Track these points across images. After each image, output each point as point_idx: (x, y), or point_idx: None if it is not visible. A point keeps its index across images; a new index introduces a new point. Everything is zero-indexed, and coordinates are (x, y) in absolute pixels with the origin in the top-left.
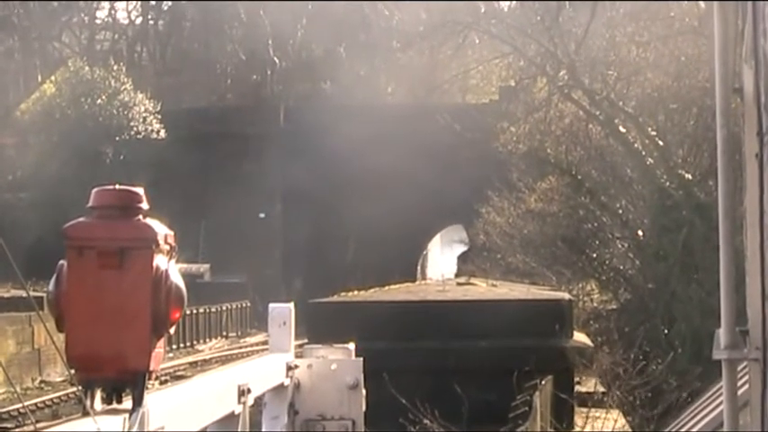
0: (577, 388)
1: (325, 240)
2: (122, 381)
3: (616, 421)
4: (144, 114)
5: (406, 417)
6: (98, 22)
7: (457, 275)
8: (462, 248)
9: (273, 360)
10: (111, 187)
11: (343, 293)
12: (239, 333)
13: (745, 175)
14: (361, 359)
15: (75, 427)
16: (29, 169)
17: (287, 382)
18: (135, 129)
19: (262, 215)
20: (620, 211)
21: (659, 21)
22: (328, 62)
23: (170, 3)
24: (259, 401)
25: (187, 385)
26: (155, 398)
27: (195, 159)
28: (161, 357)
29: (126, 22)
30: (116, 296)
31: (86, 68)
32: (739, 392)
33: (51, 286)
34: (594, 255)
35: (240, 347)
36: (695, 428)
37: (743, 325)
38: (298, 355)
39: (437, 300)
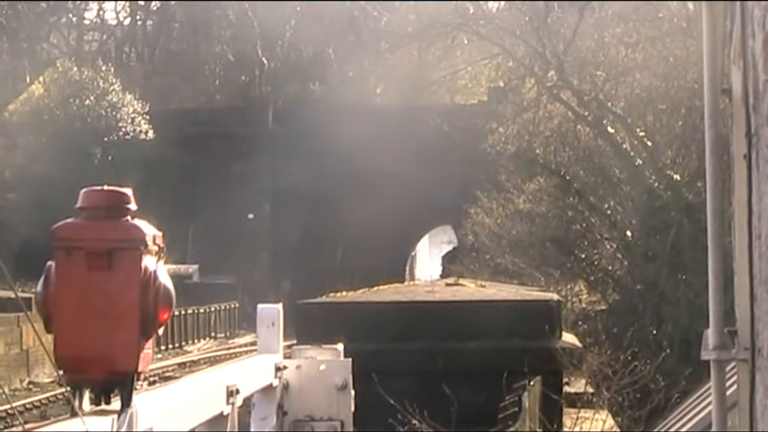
0: (566, 389)
1: (315, 241)
2: (111, 382)
3: (605, 422)
4: (132, 115)
5: (395, 418)
6: (86, 22)
7: (442, 276)
8: (447, 248)
9: (262, 361)
10: (99, 188)
11: (331, 294)
12: (228, 334)
13: (734, 176)
14: (350, 360)
15: (64, 427)
16: (17, 170)
17: (275, 382)
18: (123, 129)
19: (250, 216)
20: (609, 212)
21: (648, 22)
22: (317, 63)
23: (158, 3)
24: (248, 402)
25: (176, 386)
26: (143, 399)
27: (184, 160)
28: (149, 358)
29: (114, 22)
30: (104, 297)
31: (75, 69)
32: (728, 393)
33: (40, 287)
34: (583, 255)
35: (229, 348)
36: (684, 429)
37: (731, 325)
38: (286, 356)
39: (426, 300)
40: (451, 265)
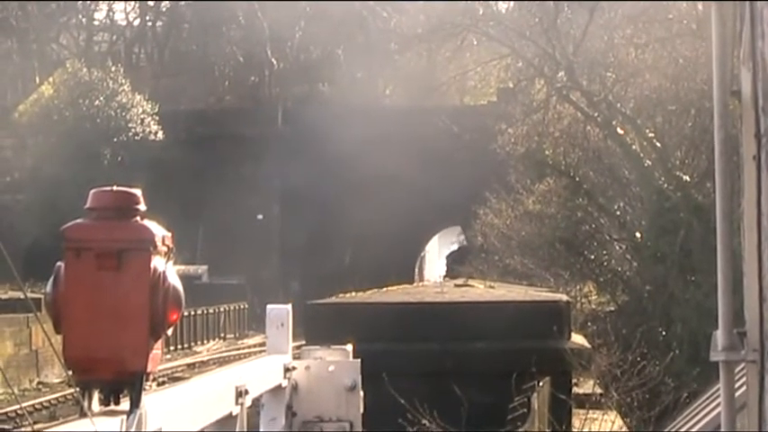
0: (575, 389)
1: (323, 242)
2: (120, 382)
3: (614, 423)
4: (142, 116)
5: (405, 418)
6: (96, 23)
7: (447, 276)
8: (452, 248)
9: (271, 361)
10: (108, 189)
11: (340, 295)
12: (237, 334)
13: (743, 177)
14: (359, 361)
15: (73, 428)
16: (27, 171)
17: (285, 383)
18: (133, 130)
19: (260, 216)
20: (618, 213)
21: (657, 23)
22: (326, 64)
23: (168, 4)
24: (257, 403)
25: (185, 387)
26: (152, 399)
27: (193, 161)
28: (159, 359)
29: (124, 23)
30: (114, 298)
31: (84, 70)
32: (737, 394)
33: (49, 287)
34: (592, 256)
35: (238, 349)
36: (693, 430)
37: (740, 326)
38: (295, 357)
39: (435, 301)
40: (457, 264)
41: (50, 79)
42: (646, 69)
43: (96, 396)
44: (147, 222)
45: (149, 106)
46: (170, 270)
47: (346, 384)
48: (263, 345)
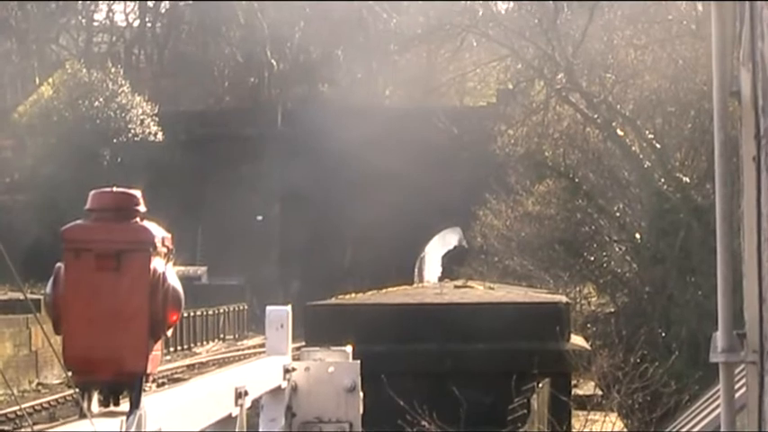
0: (575, 391)
1: (323, 243)
2: (120, 383)
3: (614, 424)
4: (141, 117)
5: (404, 419)
6: (96, 24)
7: (443, 276)
8: (447, 250)
9: (271, 363)
10: (108, 190)
11: (340, 296)
12: (236, 336)
13: (743, 178)
14: (359, 362)
15: (73, 429)
16: (26, 171)
17: (284, 384)
18: (132, 131)
19: (259, 217)
20: (618, 215)
21: (657, 24)
22: (326, 64)
23: (168, 5)
24: (256, 404)
25: (184, 388)
26: (152, 400)
27: (193, 162)
28: (158, 360)
29: (123, 24)
30: (113, 299)
31: (84, 71)
32: (736, 395)
33: (49, 288)
34: (592, 258)
35: (237, 350)
36: (693, 431)
37: (740, 328)
38: (295, 358)
39: (435, 302)
40: (456, 265)
41: (50, 80)
42: (645, 70)
43: (96, 397)
44: (146, 223)
45: (149, 107)
46: (170, 271)
47: (346, 385)
48: (262, 346)
